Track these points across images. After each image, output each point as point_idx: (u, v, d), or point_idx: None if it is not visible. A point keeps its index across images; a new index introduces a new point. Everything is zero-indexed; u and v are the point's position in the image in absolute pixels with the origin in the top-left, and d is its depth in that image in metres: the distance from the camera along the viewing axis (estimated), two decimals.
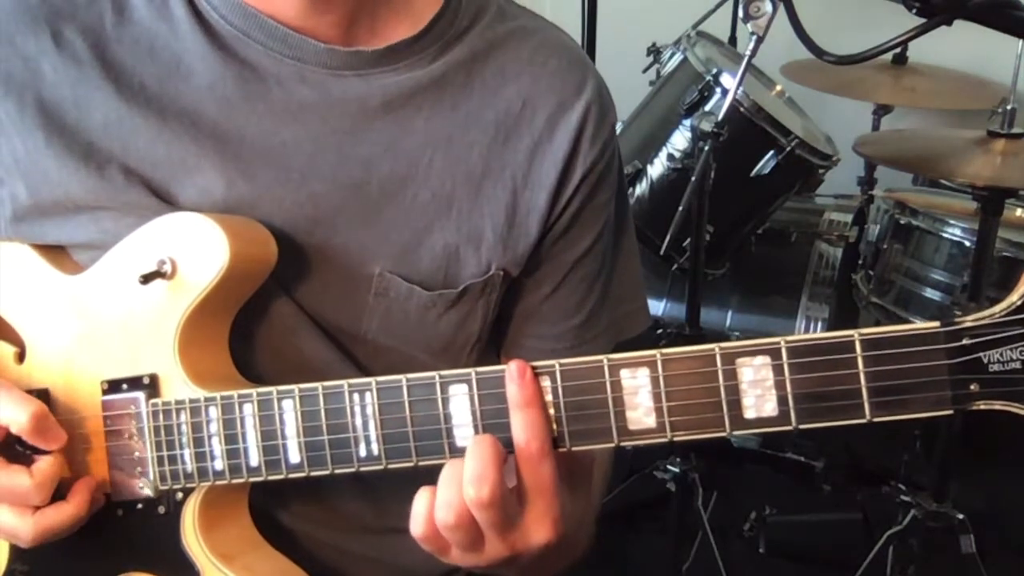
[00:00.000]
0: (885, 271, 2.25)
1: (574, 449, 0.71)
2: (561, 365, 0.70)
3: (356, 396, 0.74)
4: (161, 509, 0.80)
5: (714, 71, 2.07)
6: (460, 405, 0.72)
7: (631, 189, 2.15)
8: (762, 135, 2.05)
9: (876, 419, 0.64)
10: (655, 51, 2.40)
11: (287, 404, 0.76)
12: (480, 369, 0.72)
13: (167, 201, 0.81)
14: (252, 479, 0.78)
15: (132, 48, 0.82)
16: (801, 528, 2.32)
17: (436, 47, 0.86)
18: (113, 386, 0.81)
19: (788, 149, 2.04)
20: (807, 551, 2.27)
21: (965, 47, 2.14)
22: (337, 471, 0.75)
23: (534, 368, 0.70)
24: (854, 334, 0.64)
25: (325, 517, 0.90)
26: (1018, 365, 0.62)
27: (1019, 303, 0.62)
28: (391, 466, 0.74)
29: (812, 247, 2.31)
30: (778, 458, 2.30)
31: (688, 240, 2.00)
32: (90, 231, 0.82)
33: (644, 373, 0.68)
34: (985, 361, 0.62)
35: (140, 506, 0.81)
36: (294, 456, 0.76)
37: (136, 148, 0.81)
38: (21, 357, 0.84)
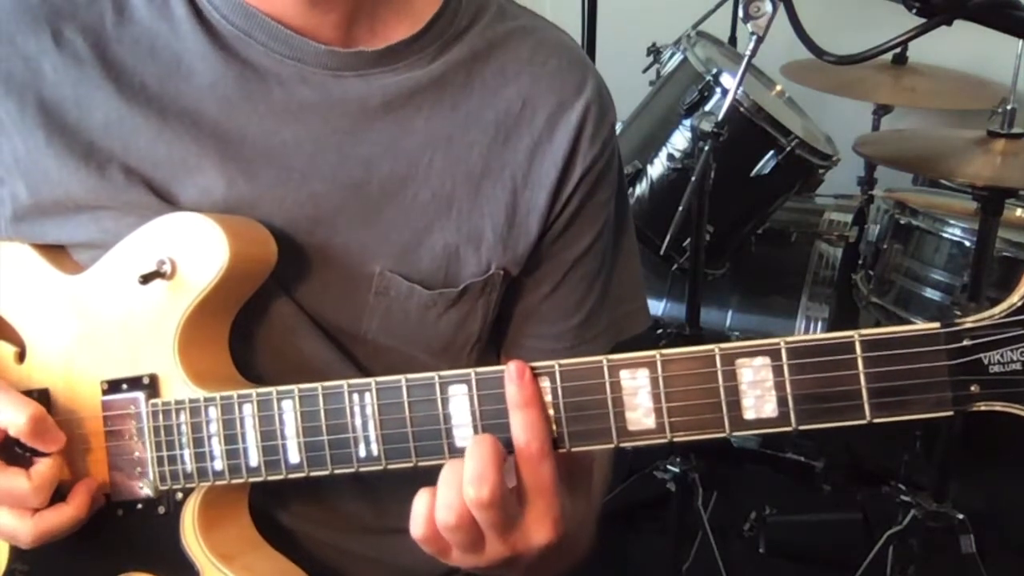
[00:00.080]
0: (885, 271, 2.25)
1: (574, 450, 0.71)
2: (561, 365, 0.70)
3: (356, 396, 0.74)
4: (161, 509, 0.80)
5: (714, 71, 2.07)
6: (460, 405, 0.72)
7: (631, 189, 2.15)
8: (762, 135, 2.05)
9: (876, 420, 0.64)
10: (655, 51, 2.40)
11: (287, 404, 0.76)
12: (480, 369, 0.72)
13: (168, 201, 0.81)
14: (252, 479, 0.78)
15: (133, 48, 0.82)
16: (801, 528, 2.31)
17: (436, 47, 0.86)
18: (113, 386, 0.81)
19: (788, 149, 2.04)
20: (807, 551, 2.27)
21: (965, 47, 2.15)
22: (337, 471, 0.75)
23: (533, 368, 0.70)
24: (854, 335, 0.64)
25: (325, 517, 0.90)
26: (1018, 366, 0.62)
27: (1019, 304, 0.62)
28: (391, 466, 0.74)
29: (812, 247, 2.30)
30: (778, 458, 2.30)
31: (688, 240, 2.00)
32: (90, 231, 0.82)
33: (644, 374, 0.68)
34: (985, 362, 0.63)
35: (140, 506, 0.81)
36: (294, 456, 0.76)
37: (137, 148, 0.81)
38: (21, 357, 0.84)
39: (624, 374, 0.69)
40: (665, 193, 2.12)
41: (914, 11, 0.86)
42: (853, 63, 0.94)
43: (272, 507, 0.87)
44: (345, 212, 0.83)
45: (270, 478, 0.77)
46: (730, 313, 2.28)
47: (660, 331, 2.19)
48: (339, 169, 0.83)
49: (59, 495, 0.79)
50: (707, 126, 1.83)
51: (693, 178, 1.83)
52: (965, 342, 0.63)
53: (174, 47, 0.82)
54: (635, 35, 2.44)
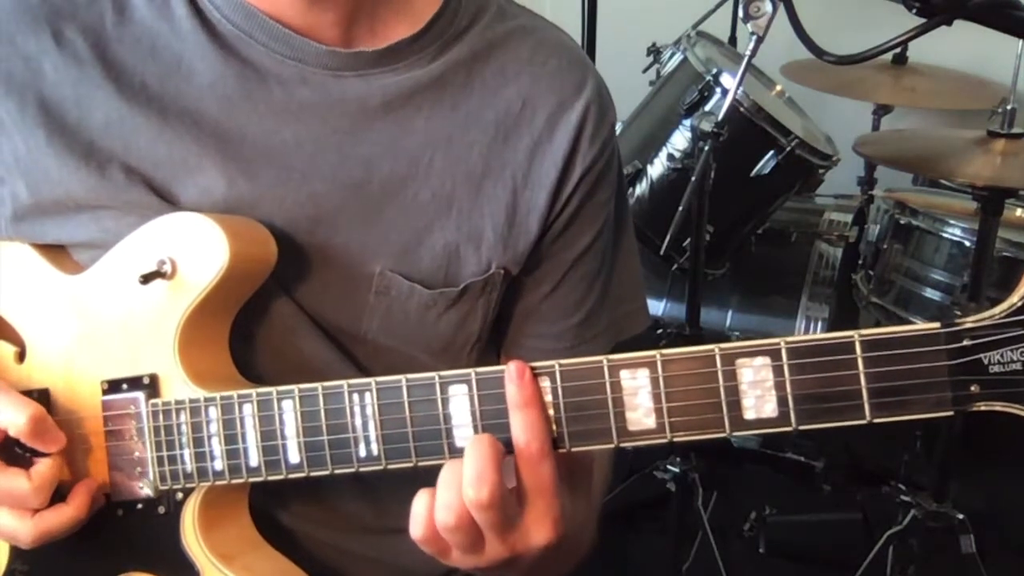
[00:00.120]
0: (885, 271, 2.25)
1: (574, 450, 0.71)
2: (561, 365, 0.70)
3: (356, 396, 0.74)
4: (161, 509, 0.80)
5: (714, 71, 2.07)
6: (460, 405, 0.72)
7: (631, 189, 2.15)
8: (762, 135, 2.05)
9: (876, 420, 0.64)
10: (655, 51, 2.40)
11: (287, 404, 0.76)
12: (480, 369, 0.72)
13: (168, 200, 0.81)
14: (252, 479, 0.78)
15: (133, 47, 0.82)
16: (801, 528, 2.31)
17: (436, 47, 0.86)
18: (113, 386, 0.81)
19: (788, 149, 2.04)
20: (807, 551, 2.27)
21: (965, 47, 2.15)
22: (337, 471, 0.75)
23: (534, 368, 0.70)
24: (854, 335, 0.64)
25: (325, 517, 0.90)
26: (1018, 366, 0.62)
27: (1019, 304, 0.62)
28: (391, 466, 0.74)
29: (812, 247, 2.30)
30: (778, 458, 2.30)
31: (688, 240, 2.00)
32: (91, 230, 0.82)
33: (644, 374, 0.68)
34: (985, 362, 0.62)
35: (140, 506, 0.81)
36: (294, 456, 0.76)
37: (137, 147, 0.81)
38: (21, 357, 0.84)
39: (624, 374, 0.69)
40: (665, 193, 2.12)
41: (914, 11, 0.86)
42: (853, 63, 0.94)
43: (272, 507, 0.87)
44: (345, 212, 0.83)
45: (270, 478, 0.77)
46: (730, 313, 2.28)
47: (660, 331, 2.19)
48: (339, 169, 0.83)
49: (59, 495, 0.78)
50: (707, 126, 1.83)
51: (693, 178, 1.83)
52: (965, 342, 0.63)
53: (174, 47, 0.82)
54: (635, 35, 2.44)
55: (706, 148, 1.82)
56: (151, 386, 0.80)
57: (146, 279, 0.78)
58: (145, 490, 0.80)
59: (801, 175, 2.14)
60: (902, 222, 2.21)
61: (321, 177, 0.83)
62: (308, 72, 0.83)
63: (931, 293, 2.16)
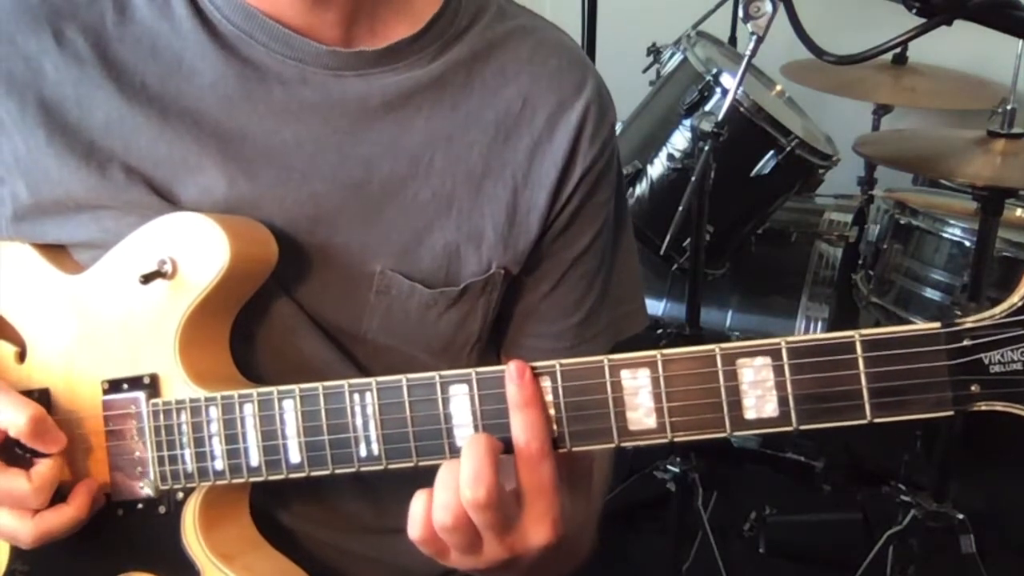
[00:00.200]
0: (885, 271, 2.25)
1: (574, 450, 0.71)
2: (561, 365, 0.70)
3: (356, 396, 0.74)
4: (161, 509, 0.80)
5: (714, 71, 2.07)
6: (460, 405, 0.72)
7: (631, 189, 2.15)
8: (762, 135, 2.05)
9: (876, 420, 0.64)
10: (655, 51, 2.40)
11: (287, 404, 0.76)
12: (480, 369, 0.72)
13: (169, 200, 0.81)
14: (252, 479, 0.78)
15: (134, 47, 0.82)
16: (801, 528, 2.32)
17: (436, 46, 0.86)
18: (113, 386, 0.81)
19: (788, 149, 2.04)
20: (807, 551, 2.27)
21: (965, 47, 2.15)
22: (337, 471, 0.75)
23: (534, 368, 0.70)
24: (855, 335, 0.64)
25: (325, 517, 0.90)
26: (1019, 366, 0.62)
27: (1020, 304, 0.62)
28: (391, 466, 0.74)
29: (812, 247, 2.31)
30: (778, 458, 2.30)
31: (688, 240, 2.00)
32: (91, 230, 0.82)
33: (644, 373, 0.68)
34: (986, 362, 0.63)
35: (140, 506, 0.81)
36: (294, 456, 0.76)
37: (138, 147, 0.81)
38: (22, 357, 0.84)
39: (625, 374, 0.69)
40: (665, 193, 2.12)
41: (914, 11, 0.86)
42: (853, 63, 0.94)
43: (273, 507, 0.87)
44: (345, 212, 0.83)
45: (271, 478, 0.77)
46: (730, 313, 2.28)
47: (660, 331, 2.19)
48: (339, 169, 0.83)
49: (59, 495, 0.78)
50: (707, 126, 1.83)
51: (693, 178, 1.83)
52: (965, 342, 0.63)
53: (175, 47, 0.82)
54: (635, 35, 2.44)
55: (706, 148, 1.82)
56: (152, 386, 0.80)
57: (147, 279, 0.78)
58: (146, 490, 0.80)
59: (801, 175, 2.14)
60: (902, 222, 2.21)
61: (321, 177, 0.83)
62: (308, 72, 0.83)
63: (931, 293, 2.16)
